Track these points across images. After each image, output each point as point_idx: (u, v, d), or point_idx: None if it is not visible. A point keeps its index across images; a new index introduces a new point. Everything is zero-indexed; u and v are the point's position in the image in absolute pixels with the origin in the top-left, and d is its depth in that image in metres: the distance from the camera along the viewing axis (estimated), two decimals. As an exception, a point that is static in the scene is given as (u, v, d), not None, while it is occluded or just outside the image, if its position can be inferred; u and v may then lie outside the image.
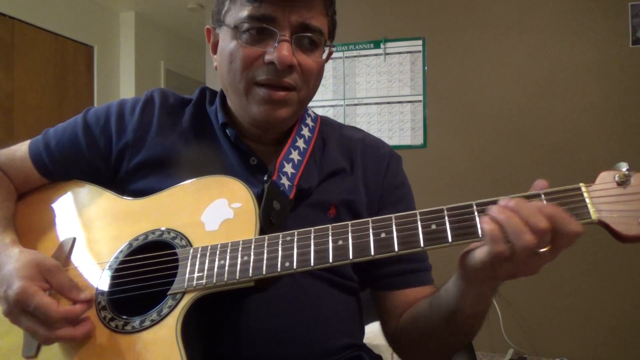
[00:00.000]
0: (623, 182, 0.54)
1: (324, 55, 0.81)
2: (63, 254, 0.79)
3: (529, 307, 2.69)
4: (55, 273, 0.70)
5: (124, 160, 0.85)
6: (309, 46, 0.78)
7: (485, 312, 0.67)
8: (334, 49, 0.83)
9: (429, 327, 0.74)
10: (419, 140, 2.99)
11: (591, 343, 2.66)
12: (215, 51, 0.85)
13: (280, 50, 0.73)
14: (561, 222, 0.53)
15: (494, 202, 0.58)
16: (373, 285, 0.88)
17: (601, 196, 0.55)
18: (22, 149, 0.88)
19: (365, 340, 0.91)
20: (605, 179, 0.55)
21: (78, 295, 0.70)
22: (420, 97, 2.99)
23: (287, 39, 0.74)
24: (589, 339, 2.67)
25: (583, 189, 0.56)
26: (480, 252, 0.57)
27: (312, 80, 0.80)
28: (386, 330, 0.87)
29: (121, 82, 4.44)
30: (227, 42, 0.78)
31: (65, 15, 3.87)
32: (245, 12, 0.74)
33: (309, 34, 0.76)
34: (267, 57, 0.75)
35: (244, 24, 0.75)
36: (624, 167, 0.54)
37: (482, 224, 0.56)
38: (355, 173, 0.88)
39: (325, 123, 0.94)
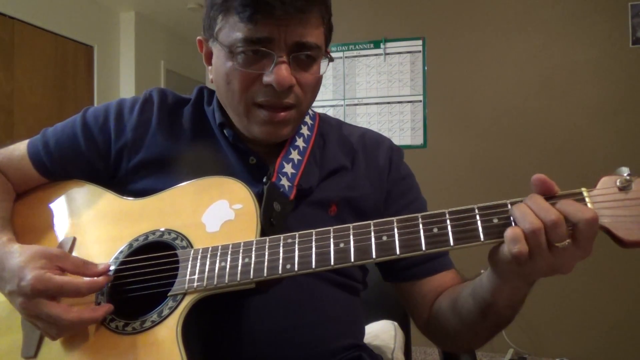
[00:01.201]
0: (624, 187, 0.54)
1: (323, 68, 0.80)
2: None
3: (529, 307, 2.66)
4: (64, 257, 0.71)
5: (123, 160, 0.84)
6: (307, 60, 0.76)
7: (522, 302, 0.67)
8: (332, 58, 0.82)
9: (465, 319, 0.73)
10: (419, 140, 2.99)
11: (591, 343, 2.66)
12: (209, 62, 0.83)
13: (278, 73, 0.72)
14: (571, 210, 0.53)
15: (496, 206, 0.58)
16: (397, 278, 0.87)
17: (602, 201, 0.54)
18: (20, 148, 0.88)
19: (365, 340, 0.92)
20: (607, 184, 0.55)
21: (96, 268, 0.71)
22: (420, 97, 2.99)
23: (285, 60, 0.73)
24: (589, 339, 2.67)
25: (584, 193, 0.56)
26: (503, 251, 0.57)
27: (310, 93, 0.80)
28: (418, 321, 0.87)
29: (121, 82, 4.43)
30: (222, 61, 0.77)
31: (65, 15, 3.87)
32: (240, 34, 0.72)
33: (306, 52, 0.75)
34: (266, 79, 0.73)
35: (239, 47, 0.73)
36: (625, 172, 0.54)
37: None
38: (357, 169, 0.87)
39: (324, 120, 0.94)
